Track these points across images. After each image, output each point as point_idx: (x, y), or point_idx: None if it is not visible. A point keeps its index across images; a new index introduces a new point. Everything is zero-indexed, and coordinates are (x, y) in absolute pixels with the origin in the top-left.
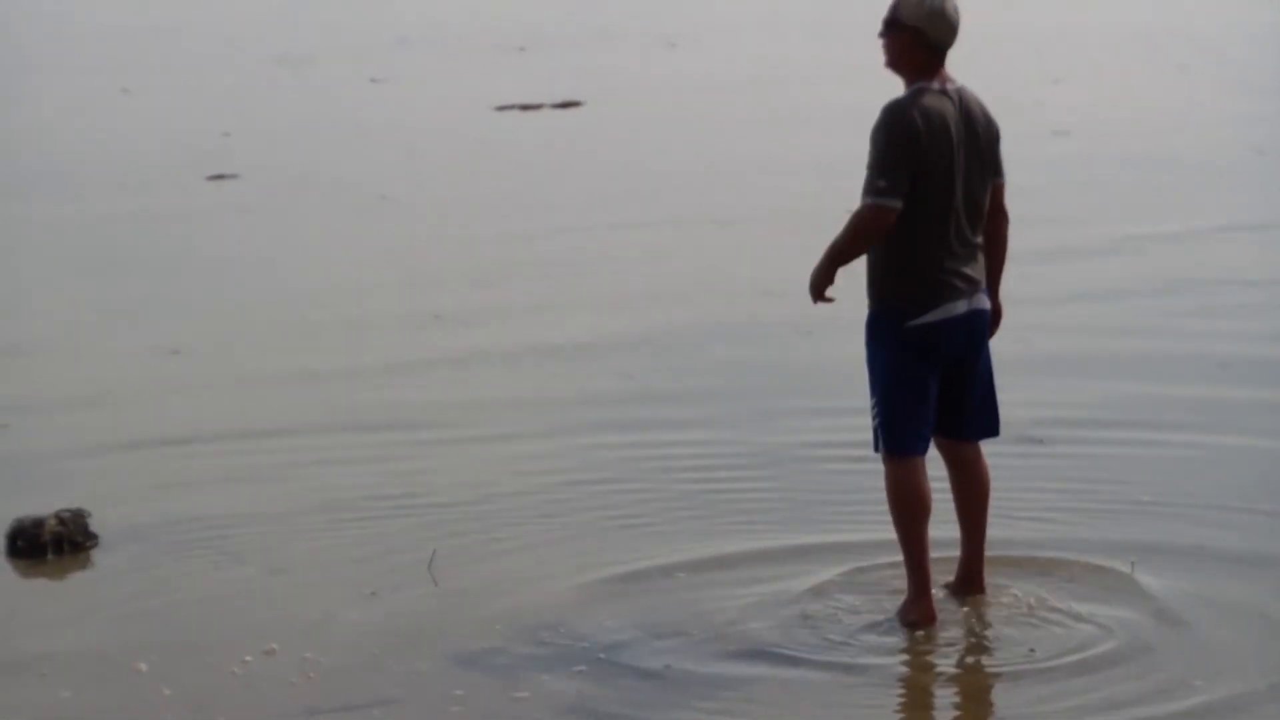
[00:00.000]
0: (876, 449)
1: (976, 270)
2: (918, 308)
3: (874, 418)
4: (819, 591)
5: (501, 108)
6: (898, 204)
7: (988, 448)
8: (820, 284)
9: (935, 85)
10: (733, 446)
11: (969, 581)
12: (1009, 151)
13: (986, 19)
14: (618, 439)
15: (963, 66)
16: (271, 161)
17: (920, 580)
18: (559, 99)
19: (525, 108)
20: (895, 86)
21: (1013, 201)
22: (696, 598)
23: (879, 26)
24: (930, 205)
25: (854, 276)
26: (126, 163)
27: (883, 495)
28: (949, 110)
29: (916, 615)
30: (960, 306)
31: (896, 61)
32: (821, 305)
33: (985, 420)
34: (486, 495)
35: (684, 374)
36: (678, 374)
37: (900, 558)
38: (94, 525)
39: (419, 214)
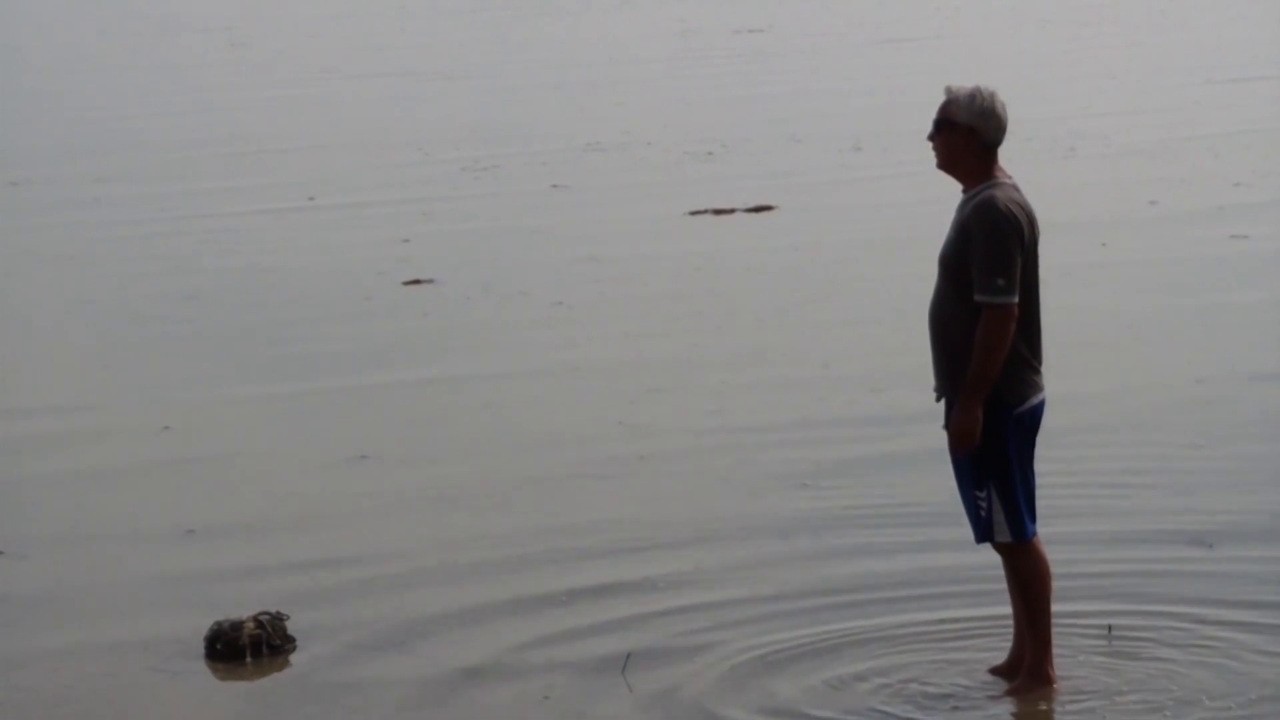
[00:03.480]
0: (988, 539)
1: None
2: (1022, 394)
3: (982, 510)
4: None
5: (695, 212)
6: (1016, 299)
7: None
8: (974, 429)
9: (1008, 181)
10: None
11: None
12: (1186, 252)
13: (1168, 126)
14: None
15: (1146, 170)
16: (449, 269)
17: (1049, 642)
18: (751, 203)
19: (718, 212)
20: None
21: None
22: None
23: (929, 129)
24: (1027, 297)
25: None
26: (316, 269)
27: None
28: (1027, 205)
29: (1052, 670)
30: (1043, 392)
31: (952, 162)
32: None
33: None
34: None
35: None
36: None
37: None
38: (292, 628)
39: (597, 320)
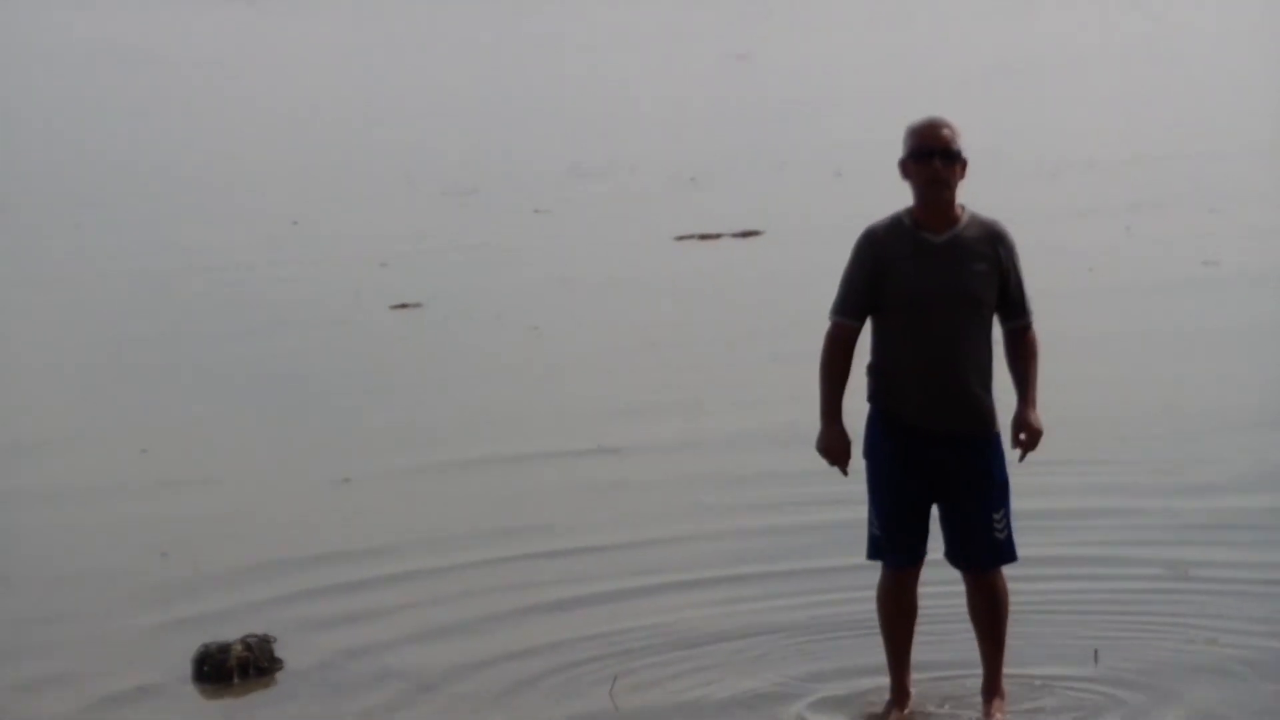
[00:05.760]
0: (1010, 561)
1: None
2: None
3: (999, 532)
4: None
5: (681, 237)
6: None
7: None
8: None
9: None
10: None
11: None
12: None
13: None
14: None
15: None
16: (429, 291)
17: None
18: (738, 228)
19: (704, 237)
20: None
21: None
22: None
23: (951, 153)
24: None
25: None
26: (298, 293)
27: None
28: None
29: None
30: None
31: (954, 193)
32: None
33: None
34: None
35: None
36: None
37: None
38: (279, 651)
39: (570, 344)
